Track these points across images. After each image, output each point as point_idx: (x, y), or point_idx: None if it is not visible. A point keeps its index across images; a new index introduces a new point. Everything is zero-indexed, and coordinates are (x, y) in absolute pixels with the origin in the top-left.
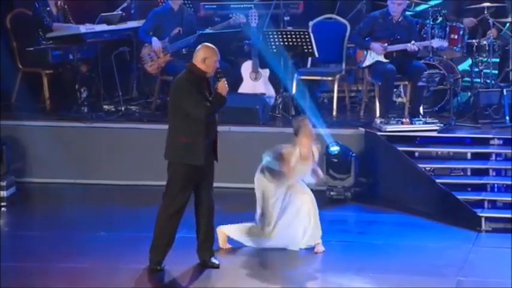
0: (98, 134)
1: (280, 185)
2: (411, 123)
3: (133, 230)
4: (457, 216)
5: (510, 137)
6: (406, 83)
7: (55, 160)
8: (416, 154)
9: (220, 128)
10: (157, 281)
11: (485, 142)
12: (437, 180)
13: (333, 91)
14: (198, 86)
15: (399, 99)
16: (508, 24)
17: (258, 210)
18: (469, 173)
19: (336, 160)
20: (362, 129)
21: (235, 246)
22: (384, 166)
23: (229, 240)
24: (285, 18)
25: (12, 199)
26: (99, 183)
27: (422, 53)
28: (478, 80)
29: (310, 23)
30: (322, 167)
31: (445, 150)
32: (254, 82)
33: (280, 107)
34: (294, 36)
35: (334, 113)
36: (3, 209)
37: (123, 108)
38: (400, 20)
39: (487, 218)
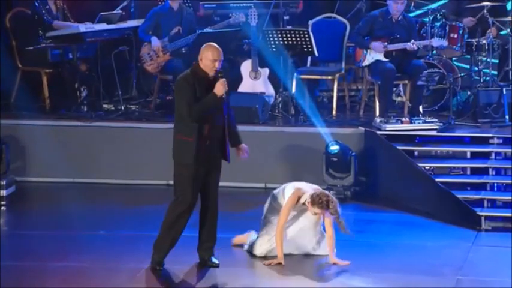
0: (98, 133)
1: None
2: (411, 122)
3: (132, 229)
4: (456, 215)
5: (510, 136)
6: (406, 82)
7: (54, 159)
8: (416, 153)
9: None
10: (157, 281)
11: (484, 141)
12: (437, 179)
13: (332, 90)
14: (198, 85)
15: (399, 98)
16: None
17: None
18: (468, 172)
19: (335, 159)
20: (361, 128)
21: (235, 248)
22: (383, 165)
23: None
24: (285, 18)
25: (12, 198)
26: (98, 182)
27: (421, 52)
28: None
29: (310, 22)
30: (321, 166)
31: (445, 149)
32: (254, 81)
33: (280, 106)
34: (293, 35)
35: (334, 112)
36: (2, 208)
37: (122, 107)
38: (399, 19)
39: (486, 217)
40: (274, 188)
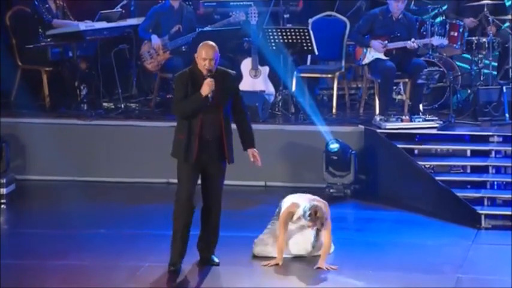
0: (98, 132)
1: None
2: (411, 121)
3: (132, 227)
4: (456, 213)
5: (510, 134)
6: (406, 80)
7: (54, 157)
8: (416, 151)
9: None
10: (157, 279)
11: (484, 139)
12: (437, 178)
13: (332, 88)
14: (192, 83)
15: (399, 97)
16: (507, 23)
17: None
18: (468, 170)
19: (335, 157)
20: (361, 127)
21: (235, 245)
22: (383, 163)
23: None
24: (285, 16)
25: (12, 196)
26: (98, 180)
27: (421, 50)
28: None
29: (310, 21)
30: (321, 164)
31: (445, 147)
32: (254, 79)
33: (280, 104)
34: (293, 33)
35: (334, 110)
36: (2, 206)
37: (122, 106)
38: (399, 17)
39: (486, 215)
40: (274, 187)
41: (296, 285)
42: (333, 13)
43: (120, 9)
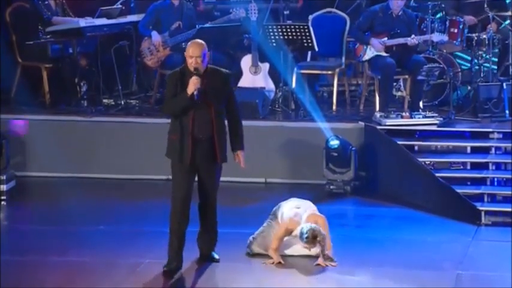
0: (98, 128)
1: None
2: (411, 117)
3: (132, 224)
4: (456, 210)
5: (510, 130)
6: (406, 76)
7: (54, 154)
8: (416, 148)
9: None
10: (156, 276)
11: (485, 136)
12: (437, 174)
13: (332, 85)
14: (181, 82)
15: (399, 93)
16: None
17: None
18: (468, 167)
19: (335, 154)
20: (362, 123)
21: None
22: (383, 160)
23: None
24: (285, 12)
25: (12, 193)
26: (98, 177)
27: (421, 47)
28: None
29: (310, 17)
30: (321, 161)
31: (445, 144)
32: (254, 76)
33: (280, 101)
34: (293, 30)
35: (334, 107)
36: (2, 202)
37: (122, 102)
38: (400, 14)
39: (486, 212)
40: (274, 183)
41: (296, 281)
42: (333, 10)
43: (120, 6)
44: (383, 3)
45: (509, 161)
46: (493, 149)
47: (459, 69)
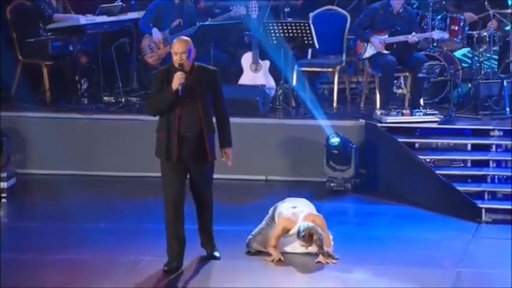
0: (98, 126)
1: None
2: (411, 115)
3: (133, 221)
4: (457, 207)
5: (510, 128)
6: (407, 74)
7: (55, 151)
8: (417, 145)
9: None
10: (157, 273)
11: (485, 133)
12: (438, 172)
13: (333, 82)
14: (167, 79)
15: (399, 91)
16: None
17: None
18: (469, 164)
19: (336, 151)
20: (362, 121)
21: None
22: (384, 157)
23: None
24: (285, 10)
25: (12, 190)
26: (99, 174)
27: (422, 44)
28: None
29: (311, 15)
30: (322, 159)
31: (445, 141)
32: (254, 73)
33: (281, 98)
34: (294, 27)
35: (335, 104)
36: (3, 200)
37: (123, 100)
38: (400, 11)
39: (487, 209)
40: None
41: (296, 279)
42: (334, 7)
43: (120, 3)
44: (383, 1)
45: (510, 158)
46: (494, 147)
47: (460, 67)
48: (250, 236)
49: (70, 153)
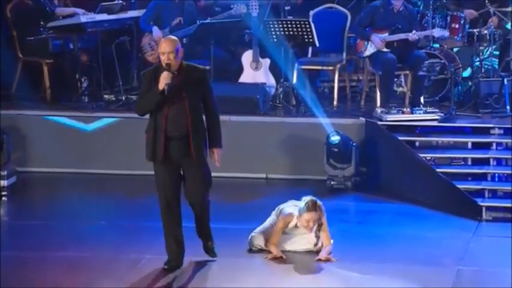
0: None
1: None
2: (412, 113)
3: (133, 219)
4: (457, 205)
5: (510, 126)
6: (407, 72)
7: (55, 149)
8: (417, 144)
9: (220, 118)
10: (157, 271)
11: (485, 131)
12: (438, 170)
13: (333, 81)
14: (155, 79)
15: (400, 89)
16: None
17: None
18: (469, 163)
19: (336, 150)
20: (362, 119)
21: (236, 237)
22: (384, 156)
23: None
24: (286, 8)
25: (13, 188)
26: (99, 172)
27: (422, 42)
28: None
29: (311, 13)
30: (322, 157)
31: (446, 139)
32: (254, 72)
33: (281, 96)
34: (294, 25)
35: (335, 102)
36: (3, 198)
37: (123, 98)
38: (401, 9)
39: (487, 208)
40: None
41: (296, 277)
42: (334, 5)
43: (121, 1)
44: None
45: (510, 156)
46: (494, 145)
47: (460, 65)
48: (252, 234)
49: (70, 151)
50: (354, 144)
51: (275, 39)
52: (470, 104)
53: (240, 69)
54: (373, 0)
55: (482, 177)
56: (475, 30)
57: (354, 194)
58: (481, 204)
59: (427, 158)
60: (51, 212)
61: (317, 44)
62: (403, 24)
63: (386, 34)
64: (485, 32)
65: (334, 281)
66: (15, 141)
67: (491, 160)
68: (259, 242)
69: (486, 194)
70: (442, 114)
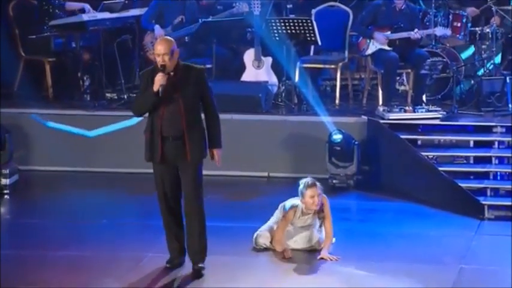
0: (100, 122)
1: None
2: (414, 111)
3: (135, 218)
4: (459, 204)
5: None
6: (409, 71)
7: (58, 148)
8: (419, 142)
9: (222, 116)
10: (159, 269)
11: (488, 130)
12: (440, 168)
13: (335, 79)
14: (152, 80)
15: (402, 87)
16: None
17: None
18: (471, 161)
19: (338, 148)
20: (365, 117)
21: (238, 236)
22: (386, 154)
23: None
24: (288, 6)
25: (15, 187)
26: (101, 171)
27: (425, 41)
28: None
29: (313, 11)
30: (324, 155)
31: (448, 138)
32: (257, 70)
33: (283, 95)
34: (296, 24)
35: (337, 101)
36: (5, 196)
37: (125, 96)
38: (403, 8)
39: (489, 206)
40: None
41: (299, 275)
42: (336, 3)
43: (123, 0)
44: None
45: None
46: (496, 143)
47: (462, 63)
48: (258, 232)
49: (72, 149)
50: (356, 142)
51: (277, 38)
52: (472, 102)
53: (242, 68)
54: None
55: (484, 175)
56: (477, 28)
57: (355, 193)
58: (483, 202)
59: (429, 156)
60: (53, 210)
61: (319, 43)
62: (405, 22)
63: (389, 33)
64: (488, 30)
65: (336, 280)
66: (17, 140)
67: (493, 158)
68: (264, 240)
69: (488, 193)
70: (444, 113)
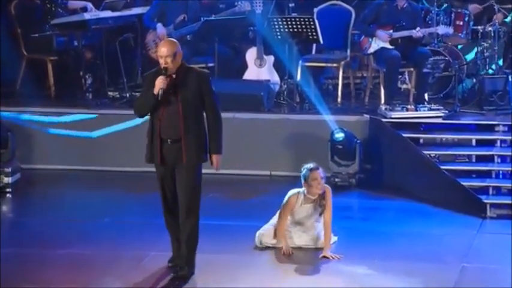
0: (102, 121)
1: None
2: (416, 110)
3: (137, 216)
4: (461, 202)
5: None
6: (411, 69)
7: (60, 146)
8: (421, 141)
9: (224, 115)
10: (160, 268)
11: (490, 128)
12: (442, 167)
13: (337, 78)
14: (154, 81)
15: (404, 86)
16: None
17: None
18: (474, 160)
19: (340, 147)
20: (367, 116)
21: (239, 234)
22: (388, 153)
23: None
24: (290, 5)
25: (17, 185)
26: (103, 169)
27: (427, 39)
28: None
29: (315, 10)
30: (326, 154)
31: (450, 136)
32: (259, 69)
33: (285, 93)
34: (298, 22)
35: (339, 99)
36: (8, 195)
37: (127, 95)
38: (405, 6)
39: (491, 205)
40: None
41: (300, 274)
42: (338, 2)
43: None
44: None
45: None
46: (498, 142)
47: (464, 62)
48: (260, 231)
49: (75, 148)
50: (358, 141)
51: (279, 36)
52: (474, 101)
53: (244, 66)
54: None
55: (486, 174)
56: (479, 27)
57: (358, 191)
58: (485, 201)
59: (432, 155)
60: (55, 209)
61: (321, 41)
62: (407, 21)
63: (391, 31)
64: (490, 29)
65: (338, 278)
66: (19, 138)
67: (495, 157)
68: (268, 239)
69: (490, 191)
70: (447, 111)
